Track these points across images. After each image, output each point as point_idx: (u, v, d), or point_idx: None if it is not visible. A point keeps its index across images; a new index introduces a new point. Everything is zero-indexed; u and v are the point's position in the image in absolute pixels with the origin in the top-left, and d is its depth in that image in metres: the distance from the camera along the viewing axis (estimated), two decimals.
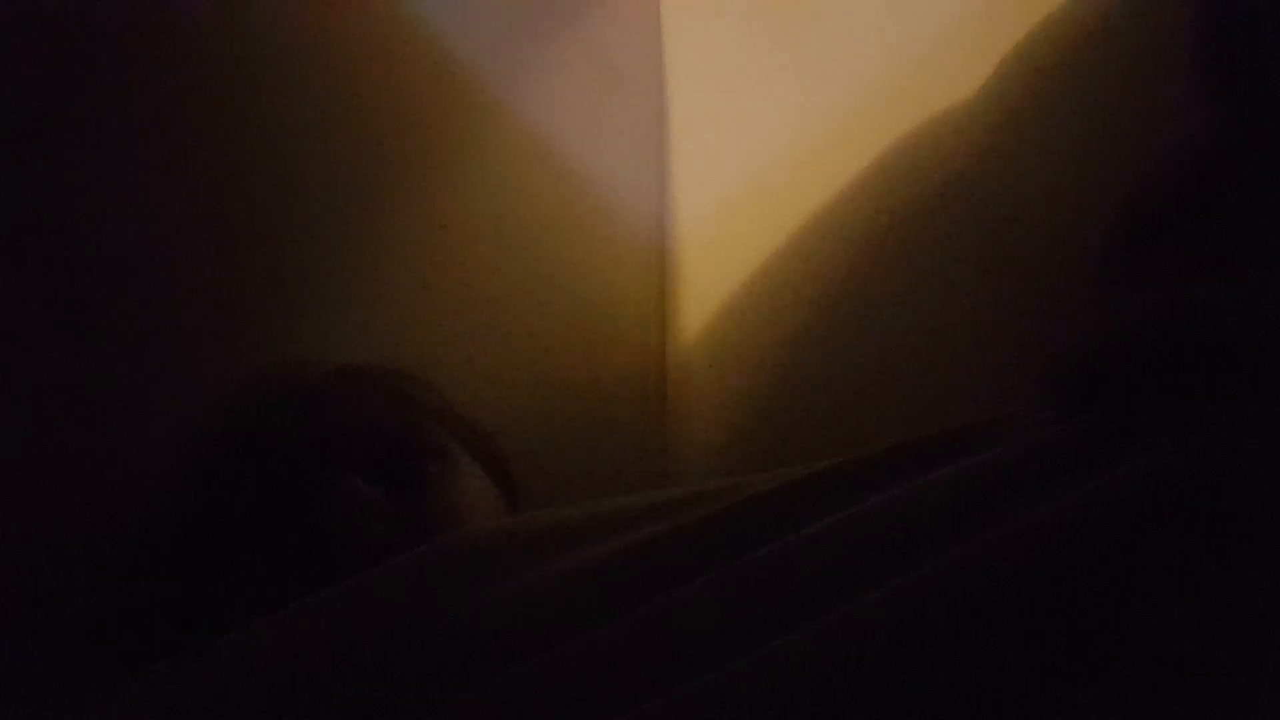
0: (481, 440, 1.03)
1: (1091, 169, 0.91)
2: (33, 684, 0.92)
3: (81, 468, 0.99)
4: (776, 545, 0.64)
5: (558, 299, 1.18)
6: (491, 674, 0.64)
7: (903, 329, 1.05)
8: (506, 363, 1.16)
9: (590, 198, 1.20)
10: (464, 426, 1.03)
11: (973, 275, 1.00)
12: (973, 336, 0.99)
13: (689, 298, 1.22)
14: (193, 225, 1.06)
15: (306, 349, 1.07)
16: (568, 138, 1.19)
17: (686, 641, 0.62)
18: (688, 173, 1.23)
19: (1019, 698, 0.55)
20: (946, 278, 1.02)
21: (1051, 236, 0.94)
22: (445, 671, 0.67)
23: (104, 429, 1.00)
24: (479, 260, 1.16)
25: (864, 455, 0.70)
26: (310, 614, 0.74)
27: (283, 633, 0.74)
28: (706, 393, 1.20)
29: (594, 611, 0.64)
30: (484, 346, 1.15)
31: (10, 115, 1.01)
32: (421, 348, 1.12)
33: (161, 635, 0.87)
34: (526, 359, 1.17)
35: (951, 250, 1.01)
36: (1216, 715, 0.55)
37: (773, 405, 1.14)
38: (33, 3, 1.03)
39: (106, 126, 1.04)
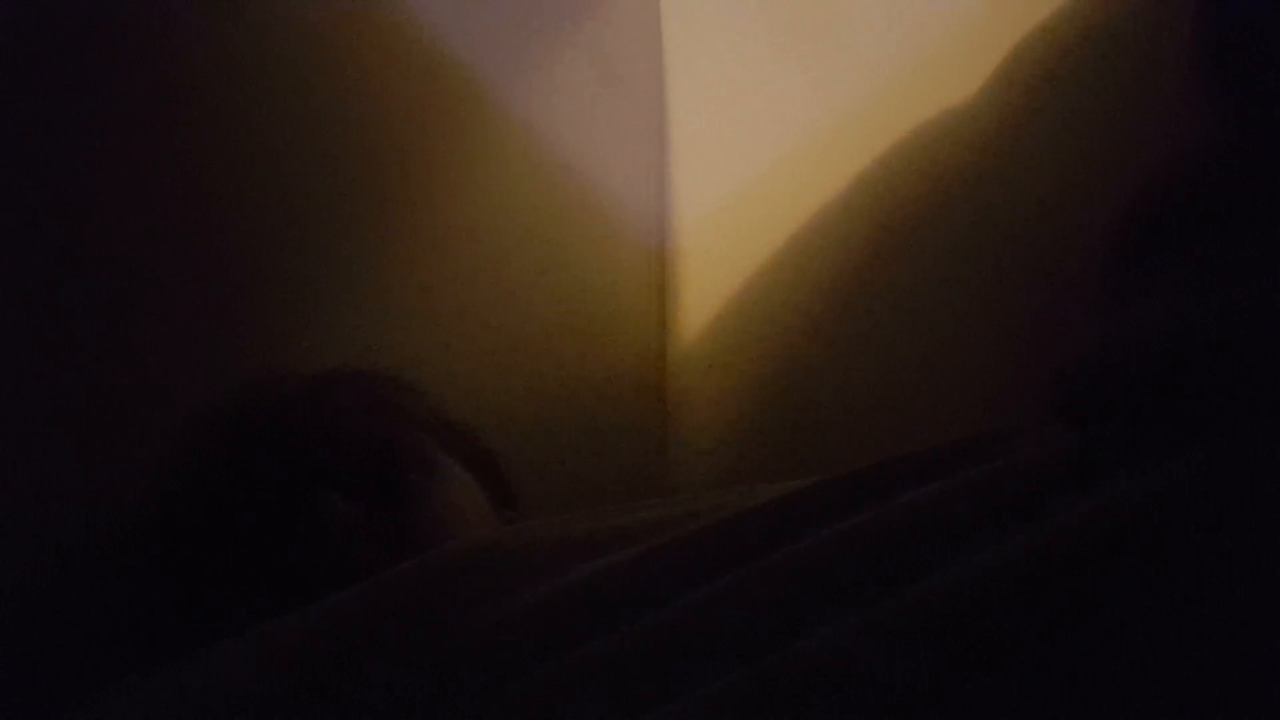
0: (471, 445, 1.02)
1: (1093, 171, 0.91)
2: (10, 698, 0.92)
3: (73, 474, 0.98)
4: (778, 557, 0.64)
5: (558, 300, 1.18)
6: (482, 691, 0.64)
7: (903, 330, 1.05)
8: (506, 363, 1.16)
9: (590, 198, 1.20)
10: (452, 432, 1.02)
11: (974, 277, 1.00)
12: (973, 338, 0.99)
13: (689, 298, 1.22)
14: (191, 227, 1.06)
15: (306, 351, 1.07)
16: (568, 138, 1.19)
17: (688, 653, 0.61)
18: (688, 173, 1.23)
19: (1022, 711, 0.55)
20: (947, 279, 1.02)
21: (1053, 239, 0.94)
22: (431, 690, 0.66)
23: (102, 431, 1.00)
24: (479, 261, 1.16)
25: (866, 467, 0.70)
26: (287, 632, 0.73)
27: (258, 652, 0.73)
28: (706, 393, 1.20)
29: (592, 625, 0.64)
30: (484, 347, 1.15)
31: (10, 115, 1.01)
32: (421, 349, 1.12)
33: (145, 646, 0.87)
34: (526, 359, 1.16)
35: (952, 252, 1.01)
36: None
37: (773, 405, 1.14)
38: (33, 3, 1.03)
39: (106, 128, 1.04)
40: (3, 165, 1.00)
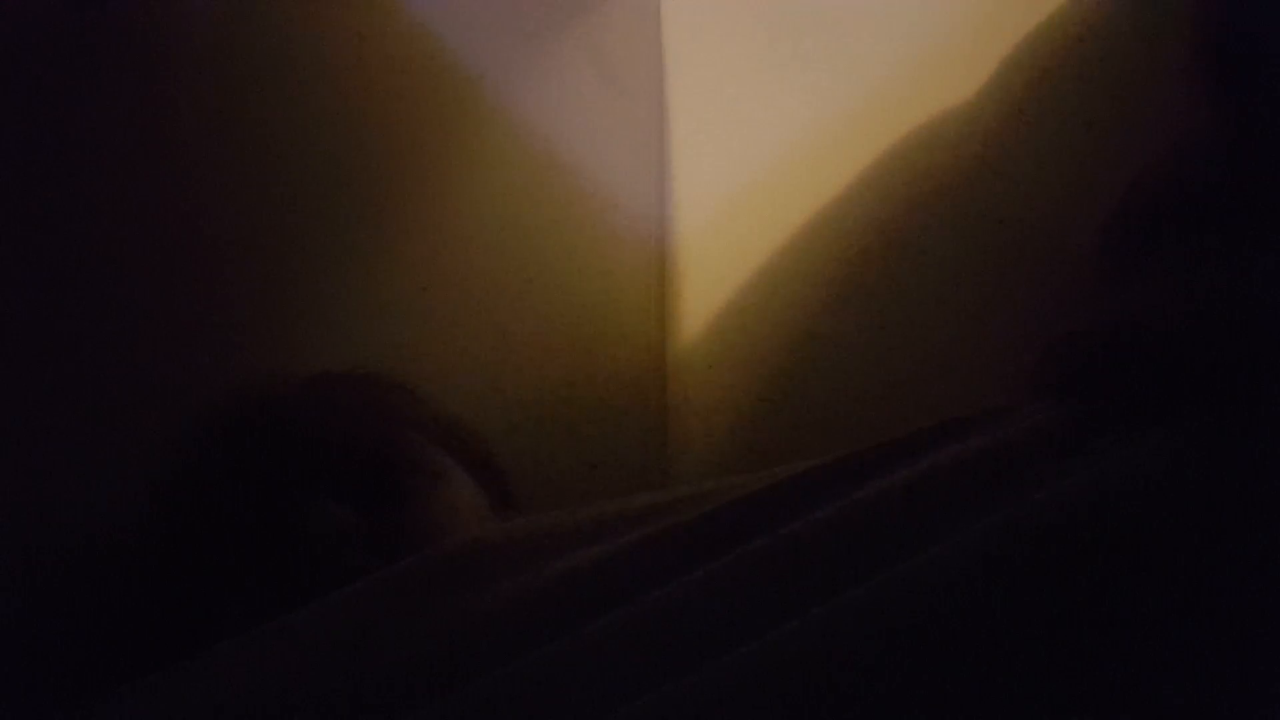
0: (470, 446, 1.02)
1: (1092, 168, 0.91)
2: (8, 699, 0.92)
3: (71, 475, 0.98)
4: (770, 539, 0.64)
5: (558, 299, 1.18)
6: (478, 677, 0.64)
7: (902, 328, 1.05)
8: (506, 363, 1.16)
9: (590, 198, 1.20)
10: (451, 434, 1.01)
11: (973, 276, 1.00)
12: (972, 336, 0.99)
13: (689, 298, 1.22)
14: (189, 227, 1.05)
15: (304, 351, 1.07)
16: (568, 138, 1.19)
17: (681, 636, 0.62)
18: (688, 173, 1.23)
19: (1013, 687, 0.55)
20: (946, 277, 1.02)
21: (1052, 236, 0.94)
22: (426, 675, 0.66)
23: (99, 433, 1.00)
24: (478, 261, 1.16)
25: (858, 450, 0.70)
26: (286, 632, 0.73)
27: (257, 653, 0.73)
28: (706, 393, 1.20)
29: (587, 610, 0.64)
30: (483, 347, 1.15)
31: (9, 117, 1.01)
32: (420, 349, 1.12)
33: (143, 648, 0.87)
34: (526, 359, 1.16)
35: (951, 251, 1.01)
36: (1209, 705, 0.55)
37: (773, 405, 1.14)
38: (34, 4, 1.03)
39: (103, 127, 1.04)
40: (3, 166, 1.00)
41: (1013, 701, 0.55)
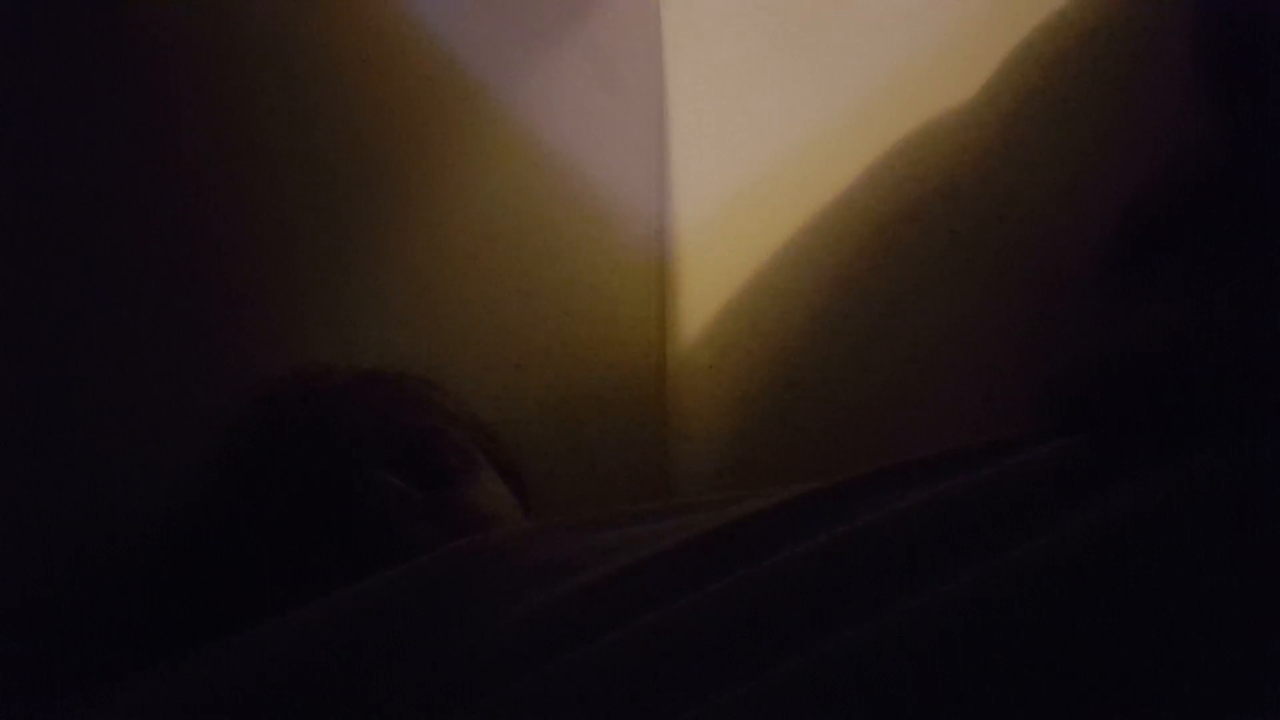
0: (498, 446, 1.04)
1: (1093, 172, 0.91)
2: (44, 679, 0.92)
3: (103, 467, 0.99)
4: (785, 562, 0.64)
5: (558, 300, 1.18)
6: (498, 687, 0.64)
7: (902, 331, 1.05)
8: (506, 364, 1.16)
9: (590, 199, 1.20)
10: (483, 433, 1.04)
11: (973, 278, 1.00)
12: (973, 339, 0.99)
13: (689, 298, 1.22)
14: (191, 227, 1.06)
15: (306, 351, 1.07)
16: (568, 139, 1.19)
17: (693, 663, 0.62)
18: (688, 173, 1.23)
19: (1035, 712, 0.55)
20: (947, 280, 1.02)
21: (1053, 239, 0.94)
22: (451, 682, 0.67)
23: (108, 431, 1.00)
24: (478, 262, 1.16)
25: (868, 472, 0.70)
26: (322, 618, 0.74)
27: (294, 635, 0.73)
28: (706, 393, 1.20)
29: (601, 628, 0.64)
30: (483, 348, 1.15)
31: (15, 117, 1.01)
32: (421, 349, 1.12)
33: (187, 631, 0.88)
34: (526, 360, 1.16)
35: (952, 253, 1.01)
36: None
37: (773, 406, 1.14)
38: (33, 3, 1.03)
39: (107, 128, 1.04)
40: (10, 169, 1.01)
41: None
